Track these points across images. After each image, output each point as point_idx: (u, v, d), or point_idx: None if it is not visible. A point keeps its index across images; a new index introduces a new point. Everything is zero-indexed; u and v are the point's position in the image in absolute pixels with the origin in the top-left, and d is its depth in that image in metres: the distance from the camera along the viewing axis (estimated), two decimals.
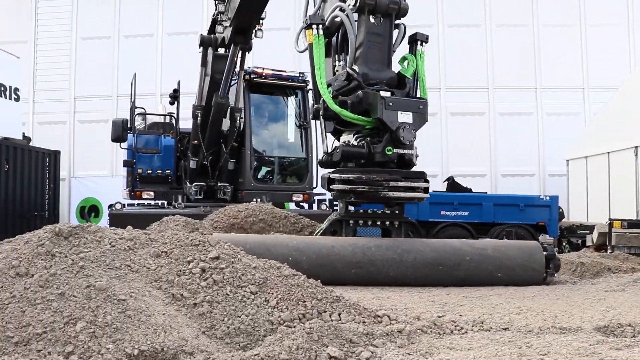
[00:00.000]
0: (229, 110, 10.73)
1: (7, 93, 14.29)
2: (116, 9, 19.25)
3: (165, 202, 11.49)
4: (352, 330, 3.12)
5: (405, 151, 5.90)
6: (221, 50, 10.74)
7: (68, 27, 19.40)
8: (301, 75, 11.80)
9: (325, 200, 12.71)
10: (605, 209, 13.29)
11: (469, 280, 5.77)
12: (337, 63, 6.49)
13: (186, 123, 12.46)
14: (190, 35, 18.80)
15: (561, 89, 18.19)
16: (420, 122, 5.95)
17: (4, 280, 3.22)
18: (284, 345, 2.81)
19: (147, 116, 12.48)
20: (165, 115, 12.48)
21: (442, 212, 12.15)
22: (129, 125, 11.43)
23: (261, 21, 9.81)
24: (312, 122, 10.93)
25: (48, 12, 19.56)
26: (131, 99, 12.16)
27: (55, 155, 16.16)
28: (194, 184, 11.12)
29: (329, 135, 6.64)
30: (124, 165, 11.40)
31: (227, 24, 9.77)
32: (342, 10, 6.05)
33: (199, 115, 10.71)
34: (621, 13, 18.29)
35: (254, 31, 9.89)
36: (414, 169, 6.26)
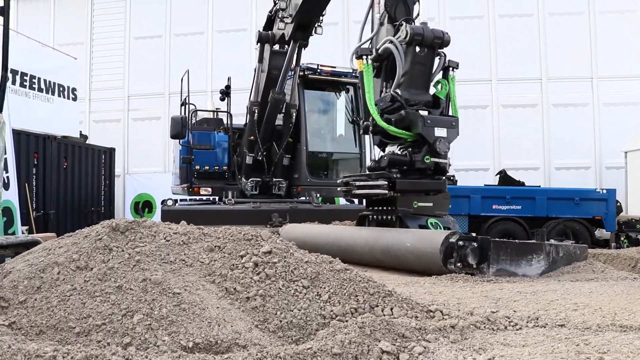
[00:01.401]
0: (284, 106, 10.82)
1: (66, 93, 14.81)
2: (167, 8, 19.66)
3: (217, 198, 11.67)
4: (405, 325, 3.10)
5: (440, 160, 6.92)
6: (276, 47, 10.83)
7: (122, 28, 19.94)
8: (354, 71, 11.87)
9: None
10: None
11: (388, 250, 6.39)
12: (384, 89, 7.45)
13: (235, 119, 12.62)
14: (239, 33, 19.07)
15: (619, 78, 17.51)
16: (453, 136, 7.00)
17: (66, 273, 3.35)
18: (337, 340, 2.81)
19: (198, 112, 12.70)
20: (219, 112, 12.66)
21: (494, 206, 11.96)
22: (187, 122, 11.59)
23: (321, 17, 9.86)
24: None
25: (103, 14, 20.17)
26: (181, 96, 12.42)
27: (110, 152, 16.70)
28: (249, 180, 11.25)
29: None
30: (183, 162, 11.58)
31: (289, 20, 9.80)
32: (392, 42, 7.06)
33: (256, 111, 10.79)
34: None
35: (314, 27, 9.94)
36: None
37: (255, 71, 11.35)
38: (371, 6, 7.77)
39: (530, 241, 6.55)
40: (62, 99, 14.69)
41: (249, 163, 11.14)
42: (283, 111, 10.88)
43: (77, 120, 15.98)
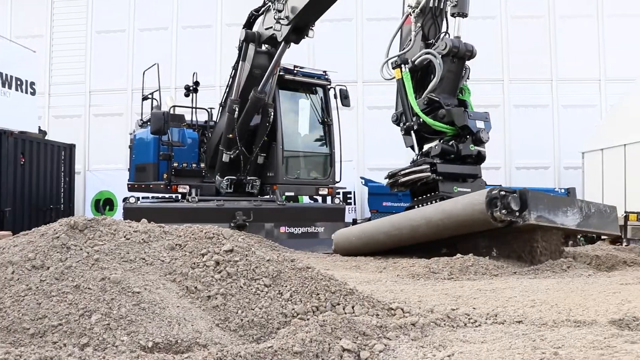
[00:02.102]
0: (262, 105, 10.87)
1: (24, 87, 14.42)
2: (131, 2, 19.32)
3: (180, 196, 11.53)
4: (366, 323, 3.12)
5: (481, 148, 8.17)
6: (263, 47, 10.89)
7: (83, 21, 19.51)
8: (324, 73, 12.22)
9: (339, 193, 12.79)
10: (621, 201, 13.13)
11: (439, 206, 7.37)
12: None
13: (200, 116, 12.56)
14: (204, 29, 18.87)
15: (577, 81, 17.96)
16: (488, 128, 8.32)
17: (20, 272, 3.27)
18: (297, 338, 2.81)
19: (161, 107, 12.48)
20: (197, 108, 12.55)
21: None
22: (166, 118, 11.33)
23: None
24: (335, 119, 12.09)
25: (64, 6, 19.69)
26: (143, 90, 12.29)
27: (70, 148, 16.31)
28: (225, 178, 11.19)
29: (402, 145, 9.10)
30: (162, 159, 11.34)
31: (285, 22, 9.86)
32: (430, 54, 8.18)
33: (236, 109, 10.77)
34: (638, 4, 17.99)
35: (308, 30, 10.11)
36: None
37: (234, 69, 11.35)
38: (401, 26, 8.98)
39: (564, 196, 7.26)
40: (20, 93, 14.29)
41: (225, 161, 11.09)
42: (260, 110, 10.93)
43: (35, 115, 15.56)
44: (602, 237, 10.78)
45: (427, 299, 4.52)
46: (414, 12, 8.61)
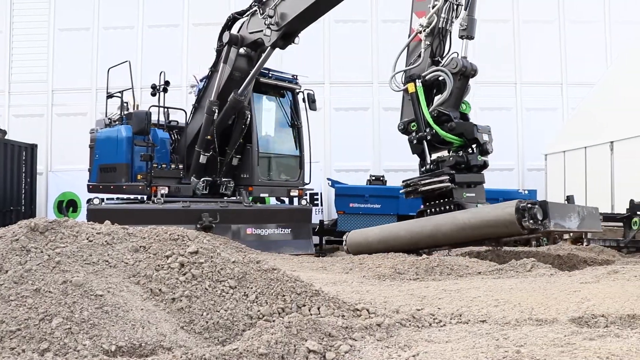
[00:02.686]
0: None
1: None
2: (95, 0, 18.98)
3: (145, 197, 11.35)
4: (331, 324, 3.13)
5: (486, 159, 8.89)
6: (241, 50, 11.01)
7: (45, 18, 19.05)
8: (295, 77, 12.42)
9: (306, 195, 12.82)
10: (582, 203, 13.48)
11: (471, 209, 8.12)
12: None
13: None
14: (170, 28, 18.64)
15: (540, 84, 18.34)
16: (491, 140, 8.95)
17: None
18: (263, 340, 2.80)
19: (125, 107, 12.29)
20: (175, 109, 12.37)
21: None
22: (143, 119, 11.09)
23: None
24: (304, 122, 12.34)
25: (25, 1, 19.20)
26: (107, 89, 12.09)
27: (32, 148, 15.96)
28: (201, 179, 11.13)
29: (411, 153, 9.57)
30: (143, 160, 11.08)
31: (275, 28, 9.98)
32: (442, 71, 8.78)
33: (216, 111, 10.82)
34: (599, 10, 18.48)
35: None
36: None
37: (211, 71, 11.37)
38: (408, 44, 9.49)
39: (567, 203, 8.40)
40: None
41: (202, 162, 11.06)
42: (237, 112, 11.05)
43: None
44: (564, 237, 11.04)
45: (393, 299, 4.55)
46: (424, 30, 9.16)
